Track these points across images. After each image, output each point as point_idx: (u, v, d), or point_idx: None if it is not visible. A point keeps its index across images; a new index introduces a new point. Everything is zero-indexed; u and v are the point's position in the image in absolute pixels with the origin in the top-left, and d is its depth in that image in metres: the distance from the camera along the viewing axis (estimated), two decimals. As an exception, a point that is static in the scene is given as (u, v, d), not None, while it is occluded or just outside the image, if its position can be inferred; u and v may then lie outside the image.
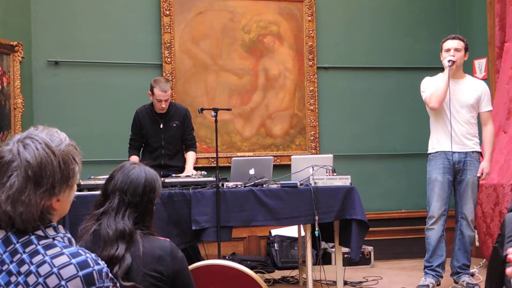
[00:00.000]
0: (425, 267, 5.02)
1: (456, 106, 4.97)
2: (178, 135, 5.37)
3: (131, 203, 2.22)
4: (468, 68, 6.58)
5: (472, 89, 5.03)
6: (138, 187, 2.25)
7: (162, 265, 2.13)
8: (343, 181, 5.00)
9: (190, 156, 5.36)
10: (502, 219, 1.73)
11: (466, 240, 5.00)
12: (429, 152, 5.11)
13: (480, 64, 6.60)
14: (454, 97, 4.97)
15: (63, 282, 1.43)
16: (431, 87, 5.01)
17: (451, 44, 4.99)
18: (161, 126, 5.29)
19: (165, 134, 5.30)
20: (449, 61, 4.91)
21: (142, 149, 5.43)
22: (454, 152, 4.95)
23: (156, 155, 5.28)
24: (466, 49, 5.03)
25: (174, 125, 5.31)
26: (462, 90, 5.01)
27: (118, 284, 1.55)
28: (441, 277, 5.00)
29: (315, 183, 4.90)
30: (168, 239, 2.23)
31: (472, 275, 5.25)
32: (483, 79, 6.49)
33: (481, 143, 5.09)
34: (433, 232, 4.96)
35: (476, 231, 6.01)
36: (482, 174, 4.97)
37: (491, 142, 5.05)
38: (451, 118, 4.95)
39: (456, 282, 5.04)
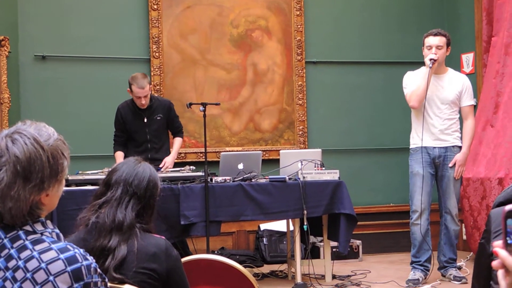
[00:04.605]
0: (413, 262, 5.04)
1: (437, 102, 4.97)
2: (163, 128, 5.37)
3: (135, 194, 2.21)
4: (455, 62, 6.61)
5: (453, 84, 5.03)
6: (143, 180, 2.25)
7: (156, 263, 2.11)
8: (331, 175, 5.02)
9: (176, 142, 5.39)
10: (488, 214, 1.73)
11: (452, 234, 5.02)
12: (410, 147, 5.12)
13: (467, 59, 6.63)
14: (435, 93, 4.97)
15: (51, 278, 1.43)
16: (412, 83, 5.01)
17: (433, 41, 4.95)
18: (145, 120, 5.27)
19: (150, 128, 5.29)
20: (430, 59, 4.87)
21: (127, 144, 5.40)
22: (434, 147, 4.97)
23: (142, 149, 5.26)
24: (448, 44, 5.01)
25: (158, 118, 5.30)
26: (443, 87, 5.01)
27: (106, 280, 1.55)
28: (429, 271, 5.03)
29: (303, 177, 4.91)
30: (163, 237, 2.22)
31: (459, 268, 5.29)
32: (471, 73, 6.52)
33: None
34: (419, 228, 4.98)
35: (462, 224, 6.05)
36: (455, 166, 4.97)
37: (469, 136, 5.05)
38: (432, 114, 4.95)
39: (443, 276, 5.07)
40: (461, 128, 5.11)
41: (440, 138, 4.97)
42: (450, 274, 4.99)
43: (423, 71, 4.99)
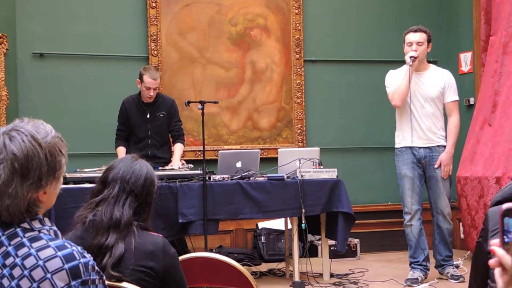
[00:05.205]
0: (411, 262, 5.03)
1: (420, 100, 4.92)
2: (165, 126, 5.36)
3: (132, 192, 2.20)
4: (453, 61, 6.62)
5: (435, 81, 4.97)
6: (140, 178, 2.24)
7: (154, 261, 2.11)
8: (329, 174, 5.03)
9: (178, 148, 5.35)
10: (486, 213, 1.73)
11: (445, 233, 4.99)
12: (395, 147, 5.09)
13: (465, 58, 6.63)
14: (417, 91, 4.91)
15: (48, 275, 1.43)
16: (394, 82, 4.97)
17: (413, 37, 4.90)
18: (148, 116, 5.28)
19: (152, 124, 5.29)
20: (410, 57, 4.82)
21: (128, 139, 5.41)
22: (419, 147, 4.93)
23: (142, 145, 5.26)
24: (429, 41, 4.95)
25: (161, 115, 5.30)
26: (426, 84, 4.96)
27: (104, 277, 1.55)
28: (428, 270, 5.02)
29: (301, 176, 4.91)
30: (161, 235, 2.22)
31: (457, 266, 5.28)
32: (469, 72, 6.53)
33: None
34: (413, 228, 4.96)
35: (460, 223, 6.06)
36: (441, 166, 4.93)
37: (454, 133, 5.00)
38: (415, 113, 4.91)
39: (441, 273, 5.06)
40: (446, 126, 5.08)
41: (424, 137, 4.93)
42: (448, 273, 4.99)
43: (404, 69, 4.95)
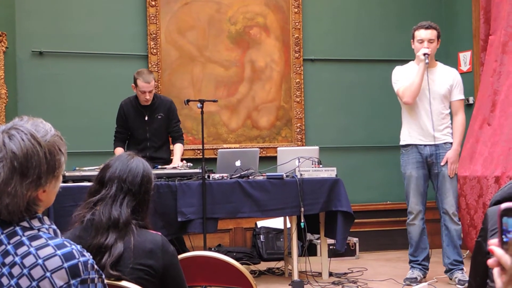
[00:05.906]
0: (411, 261, 5.00)
1: (428, 97, 4.85)
2: (163, 127, 5.36)
3: (130, 191, 2.20)
4: (453, 61, 6.62)
5: (444, 78, 4.94)
6: (137, 176, 2.23)
7: (153, 259, 2.11)
8: (328, 173, 5.03)
9: (177, 148, 5.35)
10: (485, 213, 1.74)
11: (453, 235, 4.88)
12: (400, 144, 5.04)
13: (464, 57, 6.63)
14: (427, 88, 4.86)
15: (48, 274, 1.43)
16: (403, 79, 4.92)
17: (425, 34, 4.86)
18: (146, 118, 5.27)
19: (150, 126, 5.29)
20: (424, 54, 4.78)
21: (127, 141, 5.40)
22: (425, 145, 4.89)
23: (141, 147, 5.26)
24: (438, 37, 4.92)
25: (159, 117, 5.29)
26: (435, 81, 4.91)
27: (103, 276, 1.55)
28: (427, 269, 5.00)
29: (301, 175, 4.91)
30: (159, 233, 2.22)
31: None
32: (468, 71, 6.53)
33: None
34: (415, 228, 4.94)
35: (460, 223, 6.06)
36: (448, 164, 4.88)
37: (460, 131, 4.96)
38: (423, 110, 4.87)
39: (450, 279, 4.92)
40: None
41: (431, 134, 4.88)
42: (456, 277, 4.83)
43: (414, 67, 4.92)
